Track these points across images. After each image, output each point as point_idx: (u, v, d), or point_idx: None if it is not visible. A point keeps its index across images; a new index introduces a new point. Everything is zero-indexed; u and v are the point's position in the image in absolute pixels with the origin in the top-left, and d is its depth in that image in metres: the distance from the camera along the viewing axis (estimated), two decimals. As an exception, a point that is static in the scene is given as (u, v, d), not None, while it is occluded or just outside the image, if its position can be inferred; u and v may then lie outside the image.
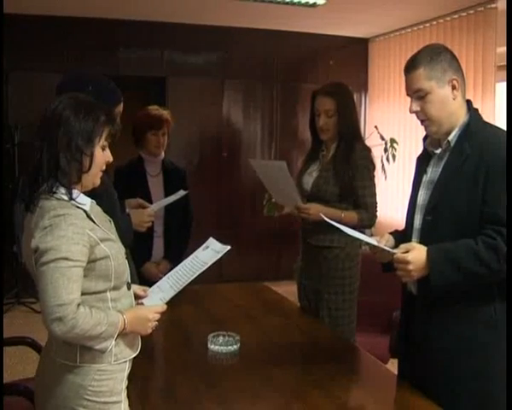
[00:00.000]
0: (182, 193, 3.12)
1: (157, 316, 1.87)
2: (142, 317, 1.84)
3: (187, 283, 1.98)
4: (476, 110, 2.15)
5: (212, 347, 2.49)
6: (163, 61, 6.67)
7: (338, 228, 2.16)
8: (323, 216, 2.24)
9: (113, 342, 1.74)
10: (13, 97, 6.01)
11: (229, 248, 2.01)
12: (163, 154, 3.55)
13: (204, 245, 2.12)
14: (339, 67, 7.07)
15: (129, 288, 1.88)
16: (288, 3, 5.40)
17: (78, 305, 1.63)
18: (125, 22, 6.33)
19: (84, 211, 1.76)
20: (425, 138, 2.26)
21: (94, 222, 1.76)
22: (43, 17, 6.00)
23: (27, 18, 5.90)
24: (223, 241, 2.06)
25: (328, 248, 3.03)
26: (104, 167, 1.84)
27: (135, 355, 1.86)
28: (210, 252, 2.06)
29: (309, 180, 3.11)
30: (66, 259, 1.62)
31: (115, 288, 1.79)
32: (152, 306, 1.90)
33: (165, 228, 3.50)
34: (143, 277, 3.15)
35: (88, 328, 1.64)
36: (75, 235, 1.65)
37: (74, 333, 1.62)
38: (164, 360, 2.64)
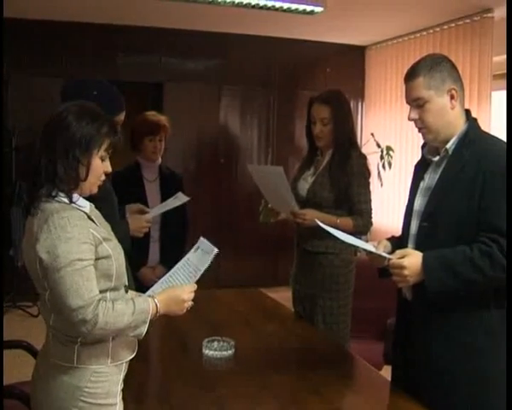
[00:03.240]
0: (182, 198, 3.12)
1: (192, 295, 1.88)
2: (177, 297, 1.86)
3: None
4: (475, 120, 2.17)
5: (206, 352, 2.49)
6: (161, 66, 6.68)
7: (333, 235, 2.18)
8: (319, 222, 2.24)
9: (110, 347, 1.75)
10: (11, 102, 6.01)
11: (216, 251, 1.99)
12: (160, 159, 3.56)
13: (195, 246, 2.10)
14: (336, 75, 7.09)
15: (126, 291, 1.89)
16: (285, 11, 5.42)
17: (100, 300, 1.65)
18: (124, 28, 6.33)
19: (85, 213, 1.77)
20: (423, 146, 2.28)
21: (95, 223, 1.78)
22: (42, 22, 6.00)
23: (26, 23, 5.91)
24: (219, 247, 2.05)
25: (323, 253, 3.04)
26: (103, 177, 1.84)
27: (131, 357, 1.87)
28: (200, 253, 2.04)
29: (304, 186, 3.13)
30: (80, 260, 1.64)
31: (115, 289, 1.80)
32: (184, 285, 1.91)
33: (162, 233, 3.51)
34: (139, 281, 3.16)
35: (112, 321, 1.66)
36: (81, 235, 1.67)
37: (99, 328, 1.64)
38: (159, 364, 2.64)
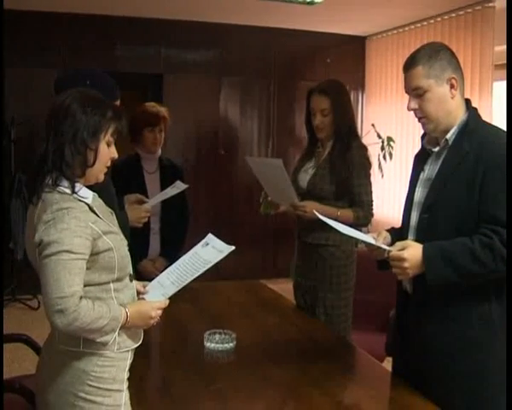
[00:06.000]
0: (180, 186, 3.12)
1: (159, 313, 1.87)
2: (145, 313, 1.83)
3: (189, 280, 1.95)
4: (475, 109, 2.14)
5: (208, 344, 2.49)
6: (160, 57, 6.65)
7: (333, 227, 2.16)
8: (318, 214, 2.23)
9: (115, 334, 1.75)
10: (9, 93, 5.98)
11: (233, 248, 1.98)
12: (160, 151, 3.54)
13: (203, 241, 2.08)
14: (336, 65, 7.07)
15: (131, 280, 1.89)
16: (285, 1, 5.39)
17: (81, 298, 1.64)
18: (123, 19, 6.31)
19: (87, 204, 1.76)
20: (423, 136, 2.26)
21: (97, 215, 1.77)
22: (41, 13, 5.97)
23: (24, 14, 5.88)
24: (219, 238, 2.05)
25: (323, 246, 3.03)
26: (109, 164, 1.85)
27: (137, 345, 1.87)
28: (211, 250, 2.02)
29: (305, 178, 3.11)
30: (69, 251, 1.63)
31: (118, 279, 1.80)
32: (155, 302, 1.89)
33: (162, 225, 3.49)
34: (140, 274, 3.15)
35: (89, 321, 1.64)
36: (78, 228, 1.66)
37: (75, 326, 1.62)
38: (160, 357, 2.63)
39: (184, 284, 1.95)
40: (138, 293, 1.96)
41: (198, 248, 2.06)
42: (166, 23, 6.48)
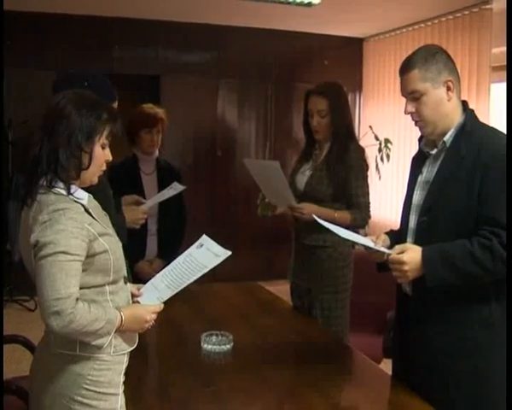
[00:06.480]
0: (177, 187, 3.12)
1: (154, 316, 1.86)
2: (140, 317, 1.83)
3: (186, 284, 1.94)
4: (472, 111, 2.14)
5: (205, 346, 2.49)
6: (158, 59, 6.65)
7: (331, 230, 2.16)
8: (317, 218, 2.23)
9: (110, 337, 1.74)
10: (7, 95, 5.96)
11: (229, 253, 1.96)
12: (157, 152, 3.54)
13: (197, 243, 2.06)
14: (334, 67, 7.07)
15: (125, 282, 1.89)
16: (283, 3, 5.39)
17: (77, 299, 1.63)
18: (120, 20, 6.30)
19: (83, 205, 1.76)
20: (420, 139, 2.26)
21: (92, 216, 1.76)
22: (38, 14, 5.96)
23: (21, 15, 5.87)
24: (217, 240, 2.04)
25: (321, 247, 3.03)
26: (104, 167, 1.84)
27: (132, 349, 1.86)
28: (206, 252, 2.00)
29: (302, 179, 3.11)
30: (65, 253, 1.62)
31: (113, 282, 1.80)
32: (150, 305, 1.89)
33: (159, 226, 3.49)
34: (137, 275, 3.15)
35: (85, 323, 1.63)
36: (74, 229, 1.65)
37: (71, 328, 1.61)
38: (157, 359, 2.63)
39: (180, 289, 1.94)
40: (133, 296, 1.95)
41: (192, 249, 2.05)
42: (164, 25, 6.48)
